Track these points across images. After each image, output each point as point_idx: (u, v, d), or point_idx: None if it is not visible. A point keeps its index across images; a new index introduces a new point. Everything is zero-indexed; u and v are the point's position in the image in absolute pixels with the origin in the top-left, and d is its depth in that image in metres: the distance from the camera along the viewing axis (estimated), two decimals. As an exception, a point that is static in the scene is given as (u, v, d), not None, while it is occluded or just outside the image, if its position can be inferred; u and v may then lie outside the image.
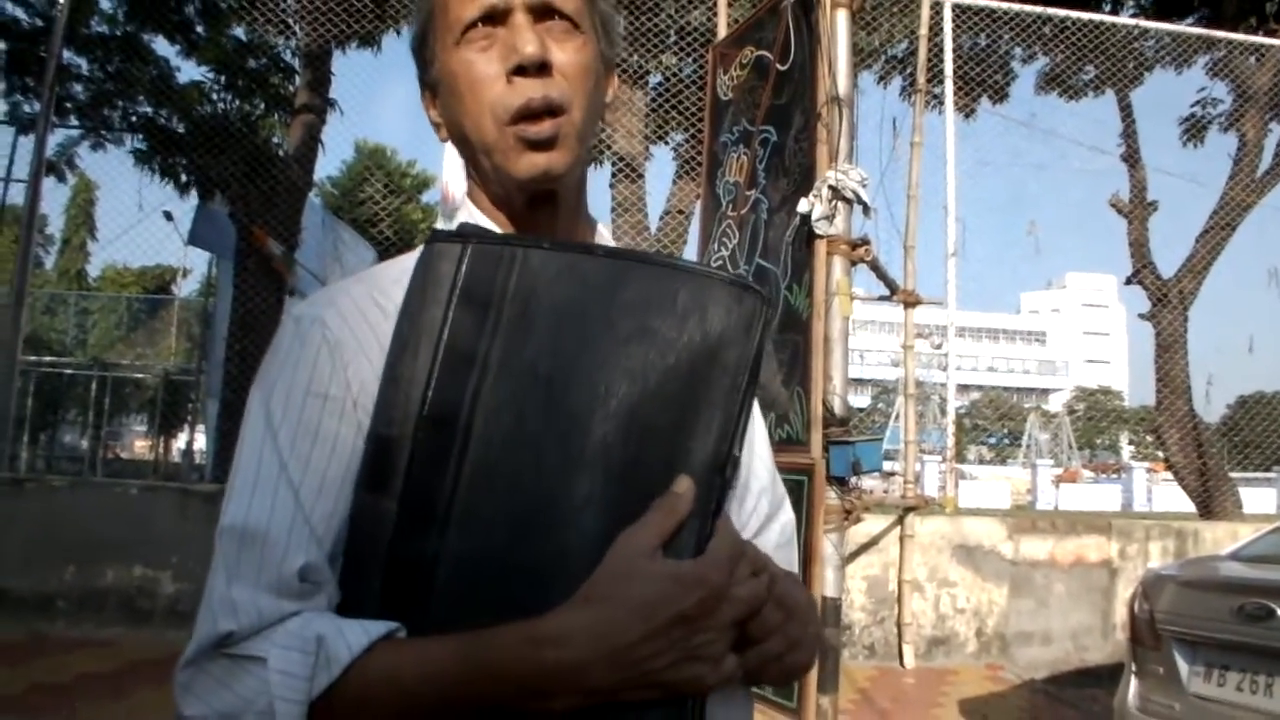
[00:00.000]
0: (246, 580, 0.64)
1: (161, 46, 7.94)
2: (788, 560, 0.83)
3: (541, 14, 0.75)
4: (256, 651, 0.61)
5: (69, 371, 17.14)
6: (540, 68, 0.73)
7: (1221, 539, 5.92)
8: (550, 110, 0.73)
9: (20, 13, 7.57)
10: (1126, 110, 8.31)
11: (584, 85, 0.76)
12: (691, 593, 0.62)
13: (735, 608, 0.64)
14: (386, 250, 9.50)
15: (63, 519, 5.41)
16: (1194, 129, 8.49)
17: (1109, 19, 7.56)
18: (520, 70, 0.73)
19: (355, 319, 0.71)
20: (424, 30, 0.80)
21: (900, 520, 5.62)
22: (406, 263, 0.74)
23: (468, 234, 0.68)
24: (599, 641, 0.60)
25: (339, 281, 0.77)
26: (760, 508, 0.83)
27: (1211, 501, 7.71)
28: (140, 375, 17.74)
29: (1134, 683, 3.26)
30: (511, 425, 0.65)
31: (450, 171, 5.86)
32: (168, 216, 9.03)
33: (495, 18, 0.74)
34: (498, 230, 0.78)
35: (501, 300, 0.66)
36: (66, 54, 6.93)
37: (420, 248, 0.71)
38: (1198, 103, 8.41)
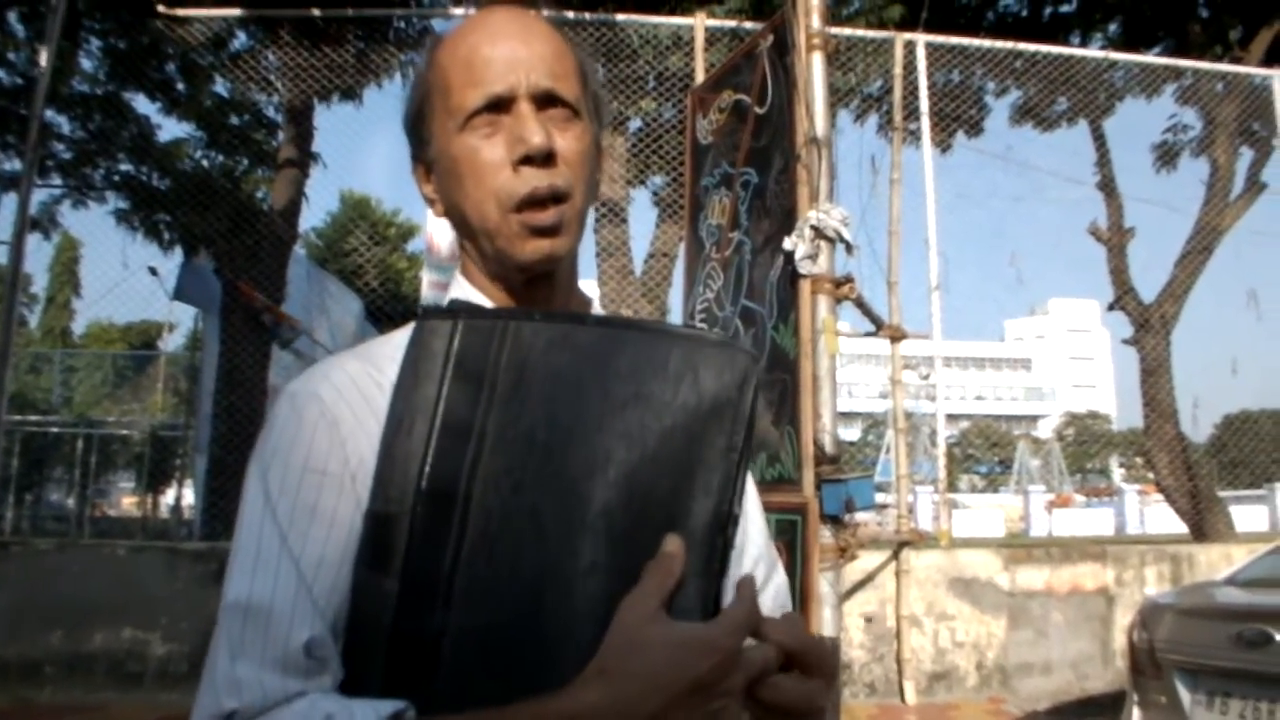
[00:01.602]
0: (251, 657, 0.63)
1: (143, 105, 8.01)
2: None
3: (544, 103, 0.76)
4: None
5: (55, 430, 16.98)
6: (546, 158, 0.75)
7: (1216, 561, 5.92)
8: (555, 198, 0.75)
9: (1, 73, 7.63)
10: (1100, 139, 8.46)
11: (583, 171, 0.78)
12: (705, 659, 0.61)
13: (748, 672, 0.64)
14: (373, 300, 9.52)
15: (49, 581, 5.32)
16: (1166, 155, 8.65)
17: (1078, 51, 7.73)
18: (527, 160, 0.74)
19: (352, 394, 0.71)
20: (420, 109, 0.81)
21: (895, 555, 5.60)
22: (399, 338, 0.75)
23: (458, 310, 0.69)
24: (618, 718, 0.60)
25: (332, 357, 0.77)
26: (756, 572, 0.83)
27: (1203, 522, 7.72)
28: (127, 432, 17.60)
29: (1137, 713, 3.24)
30: (510, 496, 0.65)
31: (435, 221, 5.89)
32: (153, 272, 9.01)
33: (500, 106, 0.75)
34: (490, 305, 0.79)
35: (495, 373, 0.67)
36: (49, 113, 6.97)
37: (405, 326, 0.72)
38: (1169, 130, 8.59)
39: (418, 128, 0.82)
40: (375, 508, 0.66)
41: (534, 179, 0.74)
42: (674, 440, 0.68)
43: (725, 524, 0.70)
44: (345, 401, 0.71)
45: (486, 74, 0.75)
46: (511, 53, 0.76)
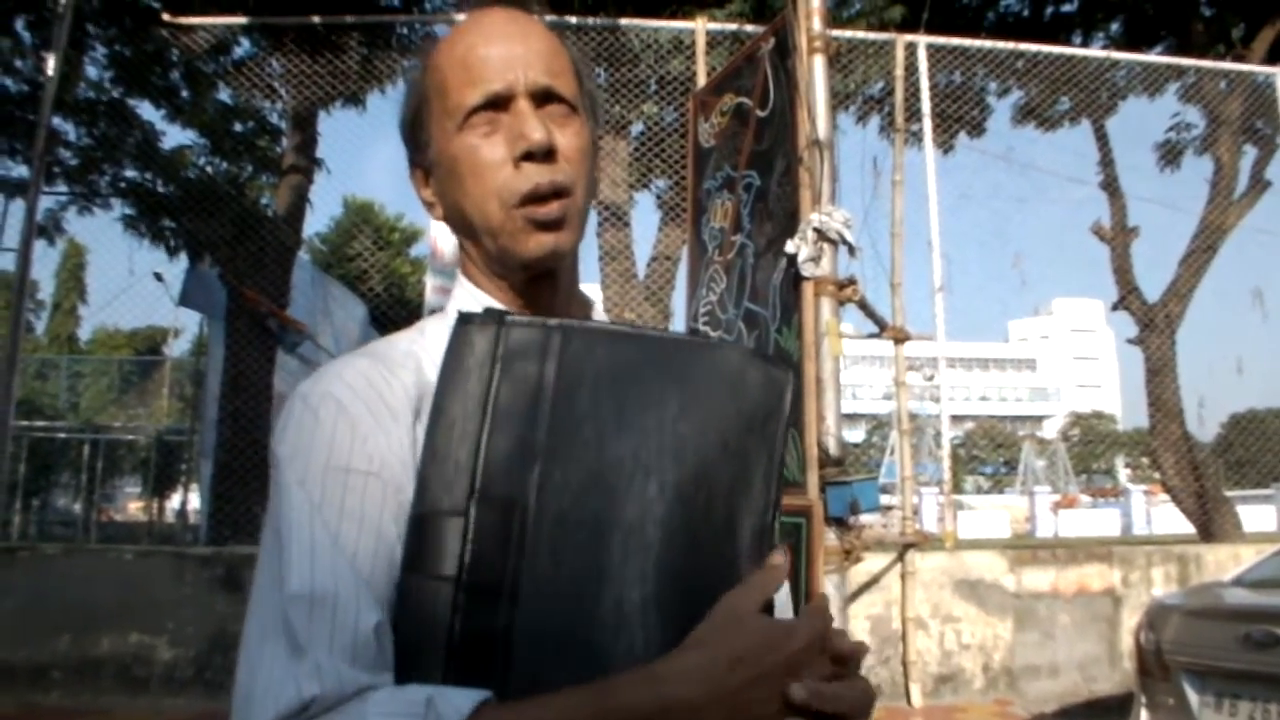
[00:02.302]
0: (321, 645, 0.62)
1: (148, 111, 8.05)
2: None
3: (542, 99, 0.76)
4: (355, 715, 0.60)
5: (61, 435, 17.04)
6: (546, 154, 0.75)
7: (1224, 562, 5.89)
8: (557, 193, 0.75)
9: (8, 80, 7.68)
10: (1103, 139, 8.45)
11: (583, 167, 0.78)
12: (793, 640, 0.65)
13: (825, 664, 0.68)
14: (377, 305, 9.54)
15: (56, 587, 5.34)
16: (1170, 154, 8.63)
17: (1080, 51, 7.73)
18: (528, 156, 0.75)
19: (368, 394, 0.71)
20: (417, 113, 0.81)
21: (901, 557, 5.59)
22: (404, 343, 0.75)
23: (500, 315, 0.69)
24: (711, 683, 0.62)
25: (340, 358, 0.76)
26: None
27: (1210, 523, 7.69)
28: (133, 437, 17.66)
29: (1145, 715, 3.23)
30: (570, 504, 0.65)
31: (438, 225, 5.90)
32: (158, 278, 9.06)
33: (498, 103, 0.76)
34: (500, 307, 0.79)
35: (545, 378, 0.66)
36: (55, 120, 7.01)
37: (418, 323, 0.72)
38: (1172, 128, 8.57)
39: (415, 132, 0.82)
40: (423, 510, 0.66)
41: (536, 175, 0.75)
42: (722, 454, 0.70)
43: (765, 536, 0.72)
44: (361, 401, 0.70)
45: (484, 72, 0.76)
46: (508, 51, 0.76)
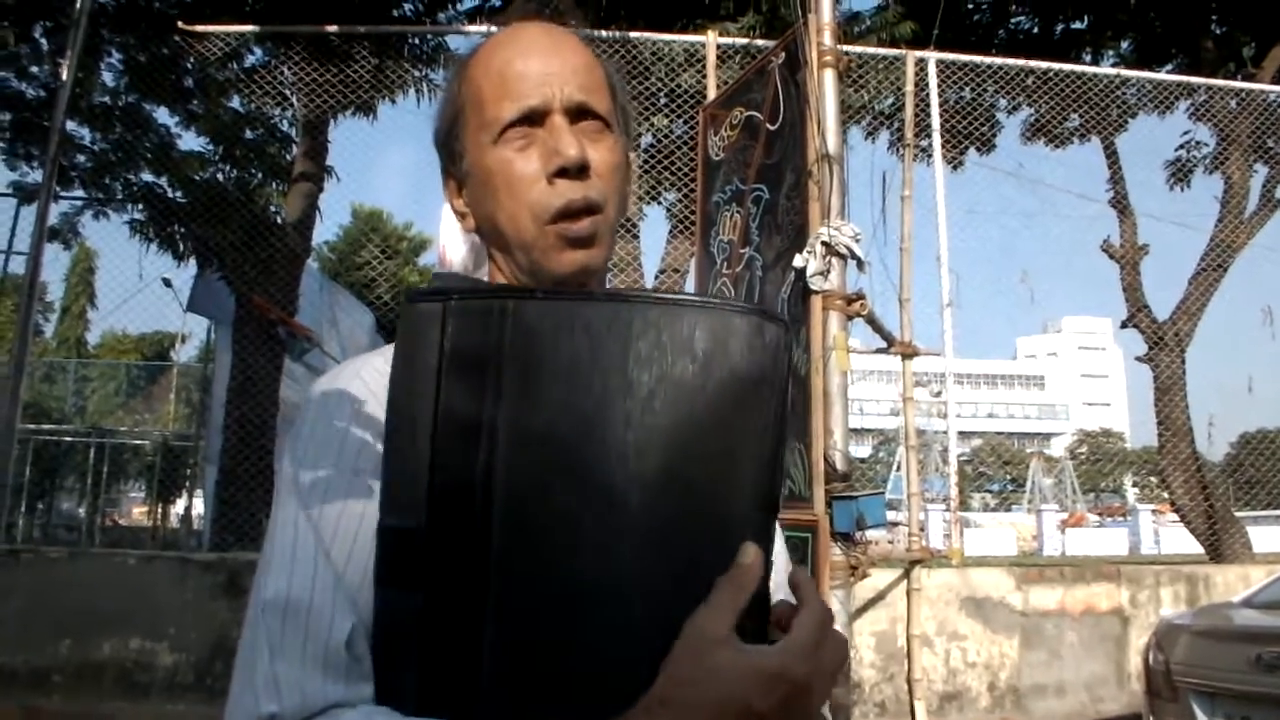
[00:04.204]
0: (292, 655, 0.61)
1: (161, 118, 8.10)
2: None
3: (577, 115, 0.77)
4: None
5: (67, 439, 17.09)
6: (580, 170, 0.75)
7: (1233, 583, 5.84)
8: (589, 209, 0.75)
9: (25, 86, 7.76)
10: (1113, 156, 8.44)
11: (615, 183, 0.78)
12: (775, 689, 0.56)
13: (819, 699, 0.59)
14: (384, 313, 9.56)
15: (59, 590, 5.33)
16: (1180, 172, 8.62)
17: (1090, 69, 7.72)
18: (562, 172, 0.75)
19: (381, 393, 0.70)
20: (453, 124, 0.81)
21: (907, 574, 5.55)
22: None
23: (449, 290, 0.64)
24: None
25: (358, 356, 0.77)
26: (777, 563, 0.80)
27: (1220, 543, 7.63)
28: (139, 441, 17.69)
29: (1152, 736, 3.20)
30: (537, 500, 0.60)
31: (447, 235, 5.92)
32: (167, 283, 9.10)
33: (533, 118, 0.76)
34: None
35: (499, 360, 0.61)
36: (70, 124, 7.06)
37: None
38: (1182, 146, 8.57)
39: (450, 142, 0.82)
40: (387, 522, 0.63)
41: (569, 191, 0.75)
42: (708, 425, 0.62)
43: (769, 511, 0.64)
44: (377, 399, 0.70)
45: (520, 87, 0.76)
46: (544, 66, 0.77)
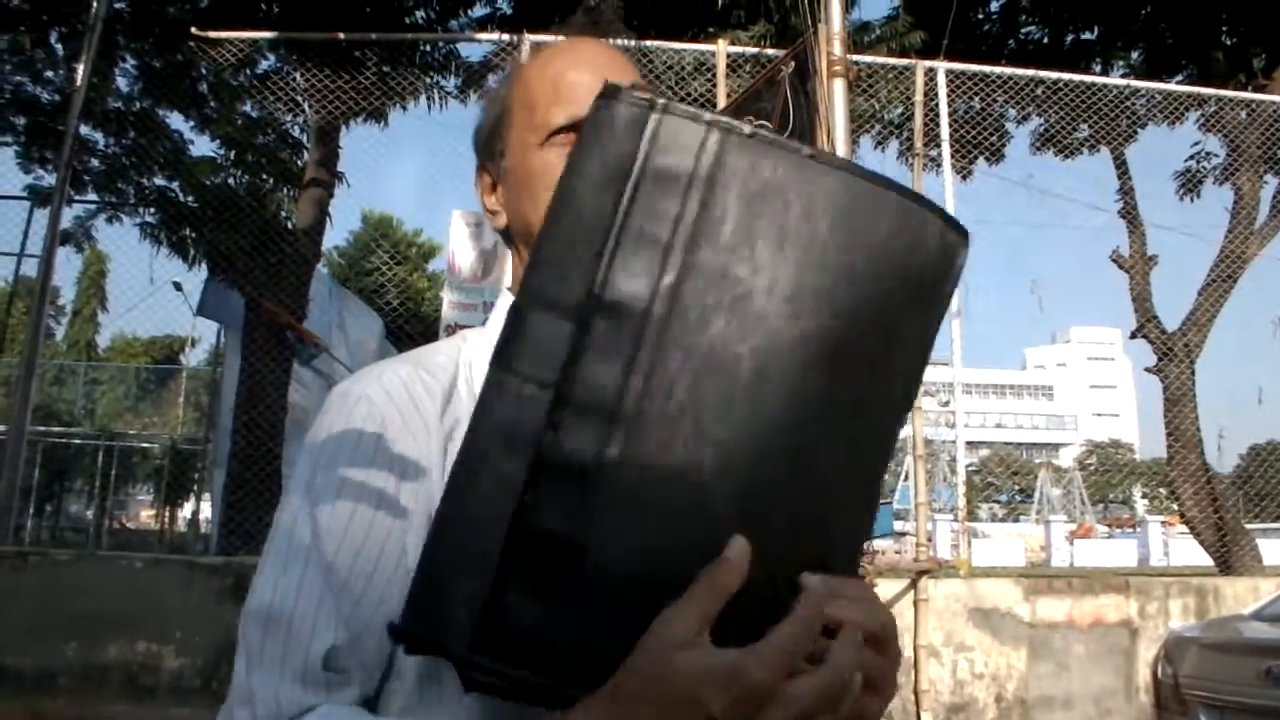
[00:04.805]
0: (269, 667, 0.63)
1: (175, 122, 8.17)
2: None
3: None
4: None
5: (76, 441, 17.17)
6: None
7: (1243, 595, 5.80)
8: None
9: (40, 90, 7.83)
10: (1122, 166, 8.42)
11: None
12: (727, 691, 0.52)
13: (788, 710, 0.53)
14: (393, 319, 9.58)
15: (66, 593, 5.35)
16: (1190, 183, 8.60)
17: (1100, 79, 7.71)
18: None
19: (401, 397, 0.71)
20: (497, 122, 0.84)
21: (914, 584, 5.53)
22: (449, 348, 0.77)
23: (649, 98, 0.59)
24: None
25: (385, 361, 0.78)
26: None
27: (1230, 555, 7.58)
28: (147, 445, 17.76)
29: (1161, 750, 3.18)
30: (701, 333, 0.55)
31: (457, 241, 5.95)
32: (177, 287, 9.16)
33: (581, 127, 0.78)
34: None
35: (691, 184, 0.56)
36: (84, 129, 7.12)
37: (461, 332, 0.74)
38: (1192, 157, 8.54)
39: (491, 140, 0.84)
40: (525, 300, 0.57)
41: None
42: (883, 314, 0.58)
43: (891, 434, 0.62)
44: (394, 404, 0.71)
45: (574, 96, 0.78)
46: (598, 80, 0.78)
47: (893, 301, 0.59)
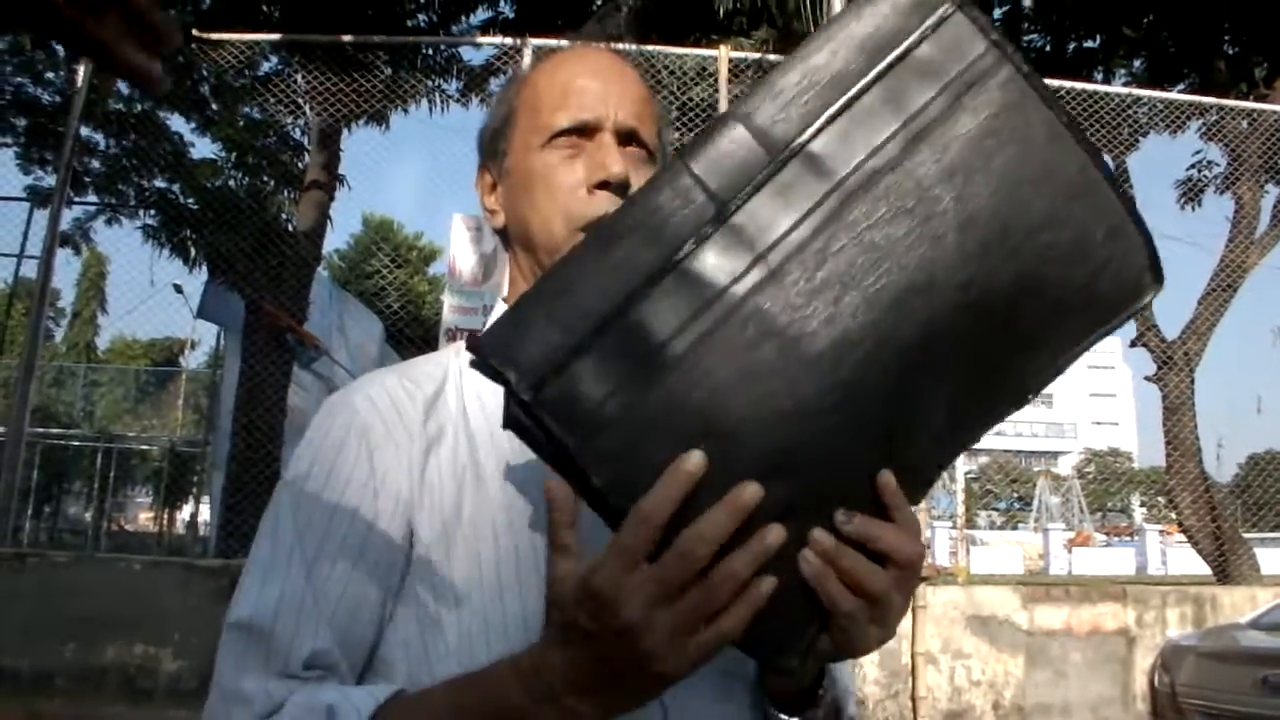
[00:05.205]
0: (255, 671, 0.65)
1: (176, 123, 8.17)
2: None
3: (626, 139, 0.80)
4: None
5: (75, 443, 17.16)
6: (621, 187, 0.77)
7: (1240, 604, 5.80)
8: None
9: (40, 91, 7.84)
10: (1124, 174, 8.44)
11: None
12: (581, 604, 0.53)
13: (632, 606, 0.51)
14: (394, 322, 9.58)
15: (64, 595, 5.35)
16: (1190, 192, 8.61)
17: (1102, 88, 7.73)
18: (604, 185, 0.77)
19: (384, 404, 0.74)
20: (503, 123, 0.85)
21: (912, 591, 5.53)
22: (440, 359, 0.79)
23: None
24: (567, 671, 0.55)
25: (375, 371, 0.80)
26: None
27: (1227, 564, 7.58)
28: (146, 447, 17.74)
29: (1158, 759, 3.17)
30: (881, 228, 0.55)
31: (457, 245, 5.95)
32: (178, 289, 9.17)
33: (584, 131, 0.79)
34: None
35: (946, 88, 0.56)
36: (84, 130, 7.12)
37: (457, 343, 0.75)
38: (1193, 166, 8.56)
39: (495, 140, 0.85)
40: (733, 115, 0.56)
41: (606, 204, 0.77)
42: (1049, 307, 0.59)
43: (1011, 405, 0.66)
44: (377, 412, 0.73)
45: (580, 100, 0.79)
46: (604, 87, 0.80)
47: (1063, 296, 0.59)
